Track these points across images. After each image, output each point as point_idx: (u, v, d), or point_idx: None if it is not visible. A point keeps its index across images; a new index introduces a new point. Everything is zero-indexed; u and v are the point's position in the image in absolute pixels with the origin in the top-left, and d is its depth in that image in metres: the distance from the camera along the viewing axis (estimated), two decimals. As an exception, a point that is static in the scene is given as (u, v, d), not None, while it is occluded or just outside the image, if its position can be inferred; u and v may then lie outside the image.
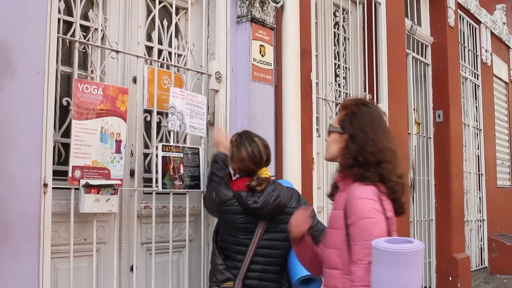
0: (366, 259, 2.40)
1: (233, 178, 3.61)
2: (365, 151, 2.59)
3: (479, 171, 9.36)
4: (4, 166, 2.77)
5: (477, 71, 9.53)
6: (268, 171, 3.53)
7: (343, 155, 2.66)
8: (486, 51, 9.76)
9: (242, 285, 3.36)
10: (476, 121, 9.41)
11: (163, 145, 3.72)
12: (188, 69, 4.07)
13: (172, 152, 3.76)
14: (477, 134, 9.39)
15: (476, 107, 9.46)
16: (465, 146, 8.75)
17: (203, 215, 4.06)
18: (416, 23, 7.55)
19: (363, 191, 2.53)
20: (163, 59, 4.02)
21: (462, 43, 9.01)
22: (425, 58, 7.89)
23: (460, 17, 8.75)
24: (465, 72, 8.99)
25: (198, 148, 3.97)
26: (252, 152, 3.47)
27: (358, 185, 2.57)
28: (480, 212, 9.32)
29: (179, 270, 4.06)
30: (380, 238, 2.38)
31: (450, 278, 7.51)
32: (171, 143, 3.82)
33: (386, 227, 2.47)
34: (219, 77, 4.21)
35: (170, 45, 4.07)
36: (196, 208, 4.13)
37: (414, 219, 7.12)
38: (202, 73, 4.17)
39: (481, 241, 9.29)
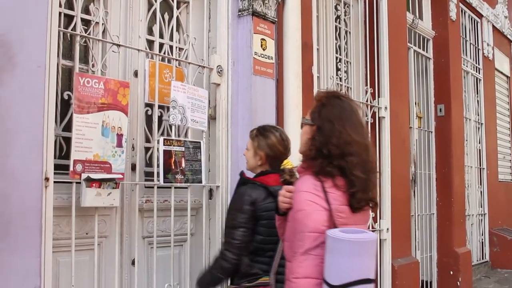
0: (299, 251, 2.41)
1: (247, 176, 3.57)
2: (330, 143, 2.55)
3: (480, 165, 9.35)
4: (5, 160, 2.77)
5: (478, 65, 9.50)
6: (291, 162, 3.51)
7: (308, 146, 2.62)
8: (487, 45, 9.73)
9: (275, 279, 3.34)
10: (478, 115, 9.39)
11: (164, 139, 3.72)
12: (189, 63, 4.06)
13: (173, 146, 3.75)
14: (479, 128, 9.37)
15: (478, 101, 9.44)
16: (467, 140, 8.73)
17: (204, 209, 4.07)
18: (417, 16, 7.53)
19: (303, 184, 2.53)
20: (164, 53, 4.01)
21: (464, 37, 8.98)
22: (427, 52, 7.87)
23: (461, 11, 8.72)
24: (466, 66, 8.97)
25: (200, 142, 3.96)
26: (281, 136, 3.52)
27: (302, 178, 2.58)
28: (481, 206, 9.32)
29: (180, 264, 4.06)
30: (327, 229, 2.39)
31: (451, 272, 7.51)
32: (173, 137, 3.82)
33: (324, 218, 2.44)
34: (221, 71, 4.20)
35: (171, 39, 4.06)
36: (197, 202, 4.13)
37: (415, 213, 7.11)
38: (204, 66, 4.16)
39: (482, 235, 9.29)
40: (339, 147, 2.53)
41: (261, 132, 3.53)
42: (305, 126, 2.72)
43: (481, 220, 9.29)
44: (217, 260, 3.45)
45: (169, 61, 4.00)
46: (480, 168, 9.34)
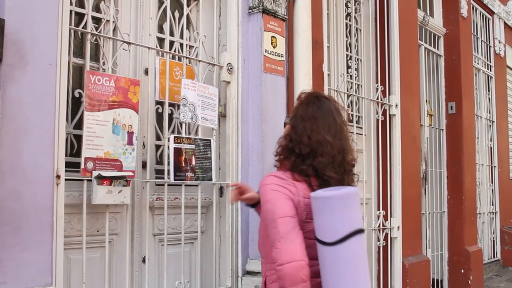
0: (276, 238, 2.43)
1: None
2: (302, 142, 2.60)
3: (491, 163, 9.29)
4: (17, 157, 2.79)
5: (490, 62, 9.45)
6: None
7: (282, 145, 2.69)
8: (499, 42, 9.67)
9: None
10: (489, 113, 9.33)
11: (175, 137, 3.72)
12: (199, 61, 4.06)
13: (184, 143, 3.76)
14: (490, 126, 9.31)
15: (489, 98, 9.37)
16: (478, 138, 8.68)
17: (215, 207, 4.07)
18: (428, 14, 7.50)
19: (267, 179, 2.59)
20: (174, 51, 4.01)
21: (475, 34, 8.93)
22: (438, 49, 7.83)
23: (473, 8, 8.68)
24: (478, 63, 8.92)
25: (210, 140, 3.97)
26: None
27: (266, 175, 2.64)
28: (492, 205, 9.26)
29: (191, 262, 4.07)
30: (294, 214, 2.47)
31: (462, 271, 7.48)
32: (183, 135, 3.82)
33: (291, 204, 2.49)
34: (231, 68, 4.20)
35: (181, 36, 4.07)
36: (208, 200, 4.13)
37: (426, 211, 7.08)
38: (214, 64, 4.16)
39: (493, 233, 9.23)
40: (309, 146, 2.58)
41: None
42: (287, 126, 2.78)
43: (492, 218, 9.25)
44: None
45: (179, 59, 4.01)
46: (491, 166, 9.29)
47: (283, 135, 2.74)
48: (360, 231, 2.46)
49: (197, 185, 3.91)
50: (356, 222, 2.46)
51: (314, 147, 2.58)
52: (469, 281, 7.42)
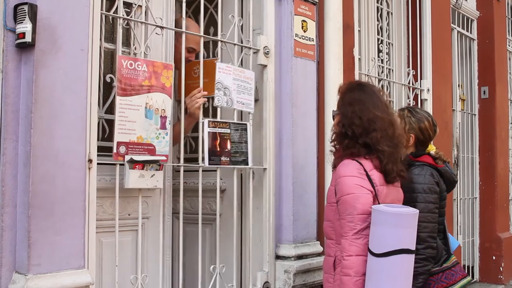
0: (350, 232, 2.70)
1: None
2: (353, 124, 2.83)
3: (525, 149, 9.14)
4: (50, 142, 2.81)
5: (524, 46, 9.27)
6: (433, 146, 3.60)
7: (336, 132, 2.96)
8: (534, 25, 9.48)
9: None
10: (523, 98, 9.17)
11: (209, 121, 3.69)
12: (235, 44, 4.00)
13: (219, 128, 3.72)
14: (524, 111, 9.15)
15: (524, 83, 9.21)
16: (511, 123, 8.55)
17: (251, 192, 4.03)
18: (461, -3, 7.38)
19: (346, 169, 2.80)
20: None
21: (510, 17, 8.74)
22: (471, 33, 7.70)
23: (507, -10, 8.52)
24: (512, 47, 8.77)
25: (246, 124, 3.92)
26: (432, 121, 3.55)
27: (343, 163, 2.84)
28: (525, 191, 9.13)
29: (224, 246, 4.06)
30: (365, 209, 2.71)
31: (494, 258, 7.41)
32: (218, 119, 3.77)
33: (371, 200, 2.73)
34: (268, 52, 4.12)
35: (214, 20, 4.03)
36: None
37: (457, 197, 7.02)
38: (250, 48, 4.08)
39: (526, 220, 9.11)
40: (361, 125, 2.82)
41: (414, 114, 3.54)
42: (336, 117, 3.04)
43: (525, 204, 9.11)
44: (422, 252, 3.16)
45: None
46: (525, 152, 9.13)
47: (334, 124, 2.98)
48: (408, 251, 2.63)
49: (233, 169, 3.88)
50: (406, 242, 2.63)
51: (366, 125, 2.81)
52: (501, 268, 7.35)
